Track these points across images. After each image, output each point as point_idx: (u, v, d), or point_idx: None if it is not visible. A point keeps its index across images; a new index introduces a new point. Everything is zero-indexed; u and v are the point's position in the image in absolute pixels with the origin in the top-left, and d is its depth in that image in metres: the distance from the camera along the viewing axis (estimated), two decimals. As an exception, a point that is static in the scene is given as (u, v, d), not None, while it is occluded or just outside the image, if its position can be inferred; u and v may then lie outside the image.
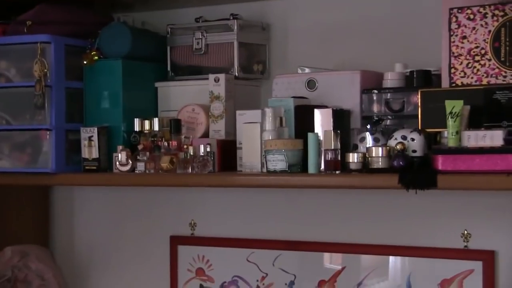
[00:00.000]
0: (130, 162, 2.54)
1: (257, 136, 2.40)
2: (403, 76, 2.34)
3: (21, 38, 2.68)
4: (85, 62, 2.69)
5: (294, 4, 2.69)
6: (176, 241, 2.90)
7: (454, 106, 2.06)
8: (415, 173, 2.08)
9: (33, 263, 2.83)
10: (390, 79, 2.35)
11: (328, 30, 2.63)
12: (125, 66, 2.67)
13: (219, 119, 2.56)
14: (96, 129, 2.61)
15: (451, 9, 2.20)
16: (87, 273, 3.08)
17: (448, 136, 2.07)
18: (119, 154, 2.55)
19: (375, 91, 2.34)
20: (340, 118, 2.32)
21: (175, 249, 2.90)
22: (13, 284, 2.81)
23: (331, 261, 2.66)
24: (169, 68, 2.75)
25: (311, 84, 2.45)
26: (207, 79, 2.58)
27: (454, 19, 2.19)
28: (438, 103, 2.13)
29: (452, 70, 2.20)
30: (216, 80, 2.55)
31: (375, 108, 2.34)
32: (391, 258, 2.56)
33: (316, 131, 2.30)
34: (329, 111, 2.31)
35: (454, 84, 2.19)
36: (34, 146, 2.67)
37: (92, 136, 2.61)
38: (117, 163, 2.56)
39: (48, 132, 2.63)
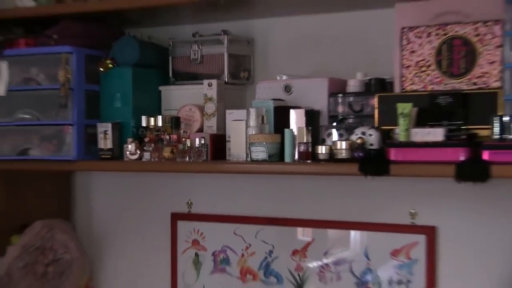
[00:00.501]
0: (138, 152, 2.53)
1: (242, 131, 2.40)
2: (363, 83, 2.34)
3: (48, 49, 2.67)
4: (101, 69, 2.69)
5: (274, 22, 2.68)
6: (175, 217, 2.89)
7: (404, 108, 2.09)
8: (372, 163, 2.10)
9: (58, 234, 2.83)
10: (352, 85, 2.35)
11: (302, 44, 2.63)
12: (134, 73, 2.66)
13: (212, 117, 2.56)
14: (110, 124, 2.61)
15: (403, 28, 2.22)
16: (103, 243, 3.08)
17: (399, 133, 2.10)
18: (129, 145, 2.54)
19: (340, 95, 2.35)
20: (311, 117, 2.33)
21: (175, 224, 2.89)
22: (41, 251, 2.81)
23: (303, 234, 2.65)
24: (170, 75, 2.74)
25: (287, 89, 2.44)
26: (202, 84, 2.58)
27: (405, 36, 2.21)
28: (391, 105, 2.15)
29: (403, 79, 2.22)
30: (210, 85, 2.55)
31: (340, 109, 2.34)
32: (352, 232, 2.56)
33: (291, 127, 2.32)
34: (302, 111, 2.32)
35: (404, 90, 2.21)
36: (59, 138, 2.68)
37: (107, 130, 2.61)
38: (127, 152, 2.55)
39: (70, 127, 2.63)
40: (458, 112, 2.09)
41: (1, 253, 2.80)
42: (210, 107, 2.56)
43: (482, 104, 2.07)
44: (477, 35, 2.10)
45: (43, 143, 2.72)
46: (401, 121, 2.09)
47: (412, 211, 2.43)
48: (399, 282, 2.46)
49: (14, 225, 2.87)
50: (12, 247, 2.79)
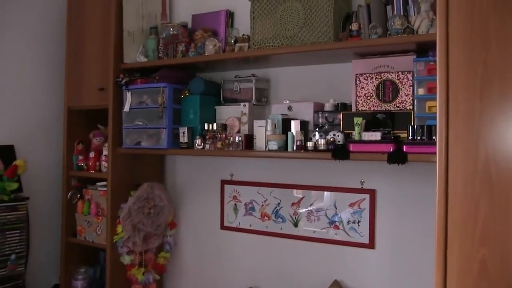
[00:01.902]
0: (202, 144, 2.55)
1: (263, 133, 2.41)
2: (334, 105, 2.34)
3: (153, 85, 2.70)
4: (182, 96, 2.71)
5: (281, 70, 2.66)
6: (223, 182, 2.88)
7: (358, 120, 2.12)
8: (339, 152, 2.11)
9: (156, 190, 2.85)
10: (327, 106, 2.35)
11: (297, 82, 2.61)
12: (201, 98, 2.66)
13: (245, 124, 2.55)
14: (186, 128, 2.62)
15: (356, 74, 2.22)
16: (181, 196, 3.07)
17: (355, 134, 2.12)
18: (197, 140, 2.56)
19: (320, 112, 2.34)
20: (304, 125, 2.34)
21: (223, 186, 2.88)
22: (147, 200, 2.82)
23: (297, 193, 2.63)
24: (221, 99, 2.72)
25: (290, 108, 2.45)
26: (240, 105, 2.58)
27: (358, 78, 2.22)
28: (350, 118, 2.16)
29: (357, 103, 2.22)
30: (244, 105, 2.56)
31: (320, 120, 2.34)
32: (327, 192, 2.54)
33: (292, 131, 2.31)
34: (298, 122, 2.32)
35: (358, 110, 2.21)
36: (158, 135, 2.69)
37: (184, 131, 2.62)
38: (196, 144, 2.56)
39: (164, 129, 2.65)
40: (388, 123, 2.09)
41: (125, 200, 2.83)
42: (244, 118, 2.56)
43: (402, 119, 2.07)
44: (399, 79, 2.12)
45: (149, 138, 2.73)
46: (356, 127, 2.11)
47: (362, 180, 2.42)
48: (354, 222, 2.44)
49: (132, 184, 2.89)
50: (131, 197, 2.82)
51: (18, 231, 2.73)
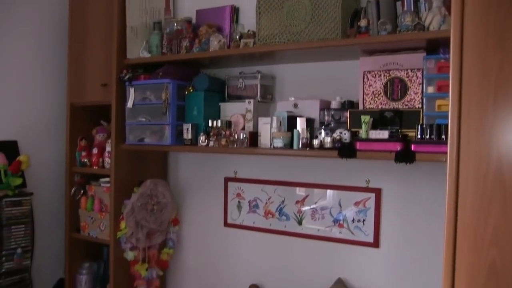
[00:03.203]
0: (206, 141, 2.53)
1: (268, 130, 2.39)
2: (340, 103, 2.30)
3: (157, 81, 2.67)
4: (186, 92, 2.69)
5: (287, 67, 2.64)
6: (227, 179, 2.86)
7: (365, 118, 2.09)
8: (346, 150, 2.08)
9: (160, 187, 2.83)
10: (334, 104, 2.31)
11: (303, 79, 2.58)
12: (205, 95, 2.64)
13: (250, 121, 2.53)
14: (190, 124, 2.60)
15: (364, 71, 2.19)
16: (184, 193, 3.05)
17: (362, 133, 2.09)
18: (201, 137, 2.54)
19: (326, 110, 2.31)
20: (309, 122, 2.31)
21: (227, 184, 2.86)
22: (150, 197, 2.80)
23: (301, 191, 2.60)
24: (226, 96, 2.70)
25: (295, 106, 2.42)
26: (245, 102, 2.55)
27: (366, 76, 2.18)
28: (357, 116, 2.13)
29: (364, 101, 2.19)
30: (249, 102, 2.54)
31: (326, 118, 2.30)
32: (332, 191, 2.51)
33: (297, 128, 2.29)
34: (304, 119, 2.30)
35: (365, 108, 2.18)
36: (161, 132, 2.66)
37: (188, 128, 2.60)
38: (200, 141, 2.54)
39: (167, 126, 2.63)
40: (396, 121, 2.06)
41: (129, 196, 2.82)
42: (249, 115, 2.53)
43: (410, 117, 2.04)
44: (408, 76, 2.07)
45: (152, 134, 2.71)
46: (363, 126, 2.07)
47: (368, 179, 2.39)
48: (358, 220, 2.42)
49: (135, 181, 2.88)
50: (134, 194, 2.81)
51: (23, 226, 2.73)
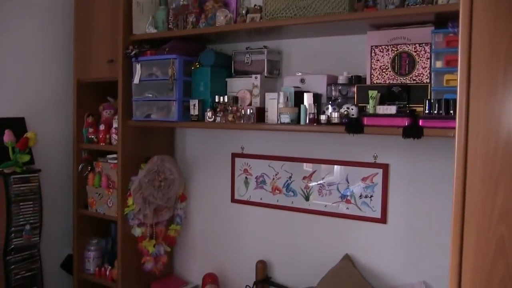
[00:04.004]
0: (213, 116, 2.53)
1: (275, 105, 2.38)
2: (347, 78, 2.30)
3: (163, 57, 2.65)
4: (192, 68, 2.68)
5: (293, 42, 2.61)
6: (234, 155, 2.86)
7: (372, 93, 2.08)
8: (353, 125, 2.08)
9: (167, 163, 2.84)
10: (341, 79, 2.31)
11: (309, 54, 2.56)
12: (212, 70, 2.63)
13: (257, 97, 2.52)
14: (197, 100, 2.59)
15: (372, 46, 2.17)
16: (192, 169, 3.06)
17: (369, 108, 2.08)
18: (208, 113, 2.54)
19: (333, 85, 2.30)
20: (316, 97, 2.31)
21: (234, 159, 2.86)
22: (157, 173, 2.82)
23: (309, 167, 2.60)
24: (232, 71, 2.69)
25: (302, 81, 2.41)
26: (251, 77, 2.54)
27: (373, 50, 2.17)
28: (364, 91, 2.13)
29: (372, 76, 2.17)
30: (256, 77, 2.53)
31: (333, 93, 2.30)
32: (339, 166, 2.51)
33: (304, 104, 2.29)
34: (311, 94, 2.30)
35: (372, 83, 2.17)
36: (168, 108, 2.66)
37: (195, 104, 2.59)
38: (207, 117, 2.54)
39: (174, 102, 2.63)
40: (404, 96, 2.05)
41: (136, 173, 2.83)
42: (256, 91, 2.53)
43: (418, 92, 2.03)
44: (416, 51, 2.06)
45: (159, 110, 2.71)
46: (370, 101, 2.07)
47: (375, 154, 2.39)
48: (366, 196, 2.42)
49: (142, 157, 2.89)
50: (141, 170, 2.82)
51: (31, 203, 2.76)
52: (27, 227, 2.74)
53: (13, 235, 2.68)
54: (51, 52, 3.14)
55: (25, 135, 2.79)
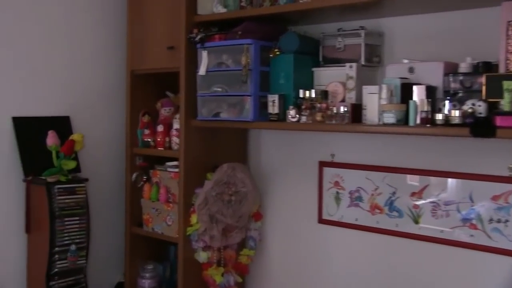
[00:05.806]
0: (297, 115, 2.53)
1: (375, 101, 2.36)
2: (472, 65, 2.22)
3: (235, 42, 2.68)
4: (271, 56, 2.69)
5: (398, 20, 2.58)
6: (322, 164, 2.85)
7: (509, 84, 2.00)
8: (480, 127, 2.02)
9: (239, 173, 2.86)
10: (463, 67, 2.24)
11: (420, 35, 2.52)
12: (295, 58, 2.62)
13: (352, 91, 2.50)
14: (277, 96, 2.60)
15: (509, 21, 2.09)
16: (269, 181, 3.07)
17: (504, 104, 2.01)
18: (291, 111, 2.53)
19: (453, 75, 2.24)
20: (430, 91, 2.26)
21: (322, 169, 2.86)
22: (227, 185, 2.84)
23: (419, 180, 2.56)
24: (321, 59, 2.69)
25: (411, 70, 2.37)
26: (345, 66, 2.52)
27: (510, 27, 2.08)
28: (497, 83, 2.05)
29: (508, 62, 2.09)
30: (351, 67, 2.51)
31: (452, 85, 2.24)
32: (458, 180, 2.44)
33: (414, 99, 2.25)
34: (423, 87, 2.26)
35: (509, 71, 2.08)
36: (241, 105, 2.68)
37: (274, 100, 2.60)
38: (289, 116, 2.54)
39: (249, 97, 2.64)
40: (552, 89, 1.96)
41: (201, 184, 2.86)
42: (351, 83, 2.50)
43: None
44: None
45: (230, 108, 2.74)
46: (506, 95, 2.00)
47: (511, 166, 2.29)
48: (498, 221, 2.33)
49: (209, 166, 2.92)
50: (208, 181, 2.85)
51: (77, 218, 2.85)
52: (73, 247, 2.82)
53: (56, 256, 2.78)
54: (100, 39, 3.24)
55: (70, 138, 2.89)
